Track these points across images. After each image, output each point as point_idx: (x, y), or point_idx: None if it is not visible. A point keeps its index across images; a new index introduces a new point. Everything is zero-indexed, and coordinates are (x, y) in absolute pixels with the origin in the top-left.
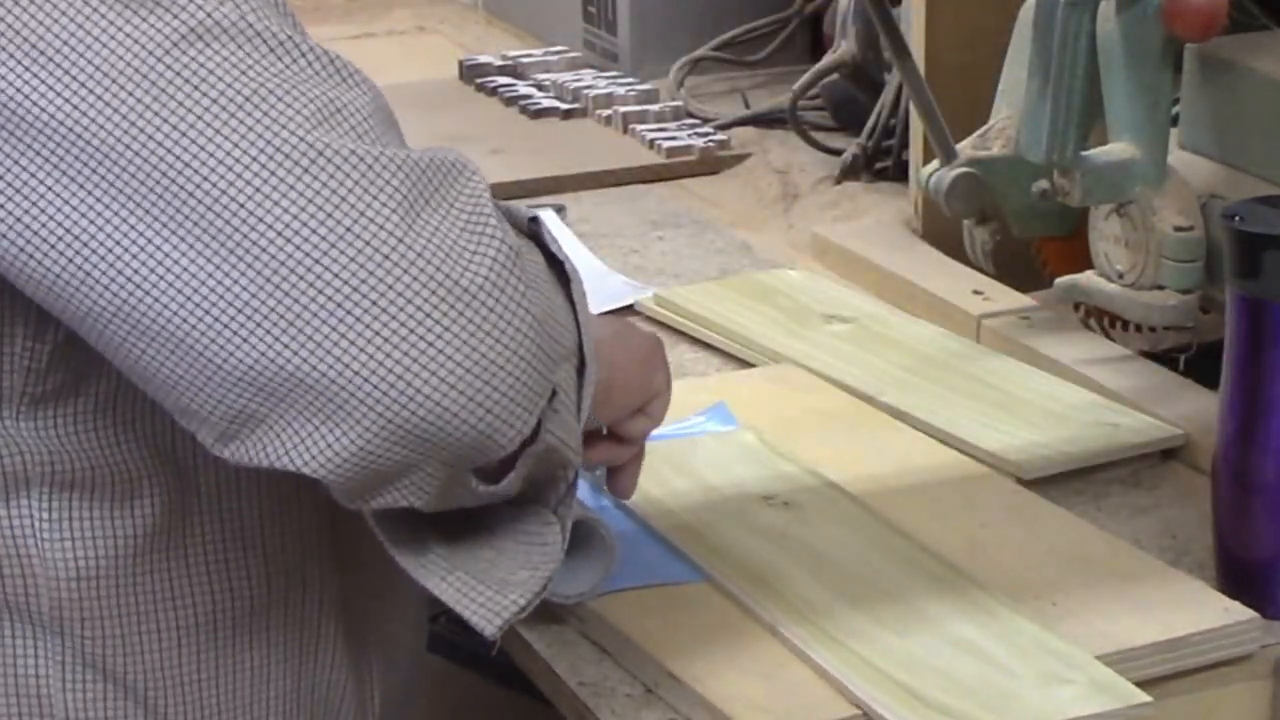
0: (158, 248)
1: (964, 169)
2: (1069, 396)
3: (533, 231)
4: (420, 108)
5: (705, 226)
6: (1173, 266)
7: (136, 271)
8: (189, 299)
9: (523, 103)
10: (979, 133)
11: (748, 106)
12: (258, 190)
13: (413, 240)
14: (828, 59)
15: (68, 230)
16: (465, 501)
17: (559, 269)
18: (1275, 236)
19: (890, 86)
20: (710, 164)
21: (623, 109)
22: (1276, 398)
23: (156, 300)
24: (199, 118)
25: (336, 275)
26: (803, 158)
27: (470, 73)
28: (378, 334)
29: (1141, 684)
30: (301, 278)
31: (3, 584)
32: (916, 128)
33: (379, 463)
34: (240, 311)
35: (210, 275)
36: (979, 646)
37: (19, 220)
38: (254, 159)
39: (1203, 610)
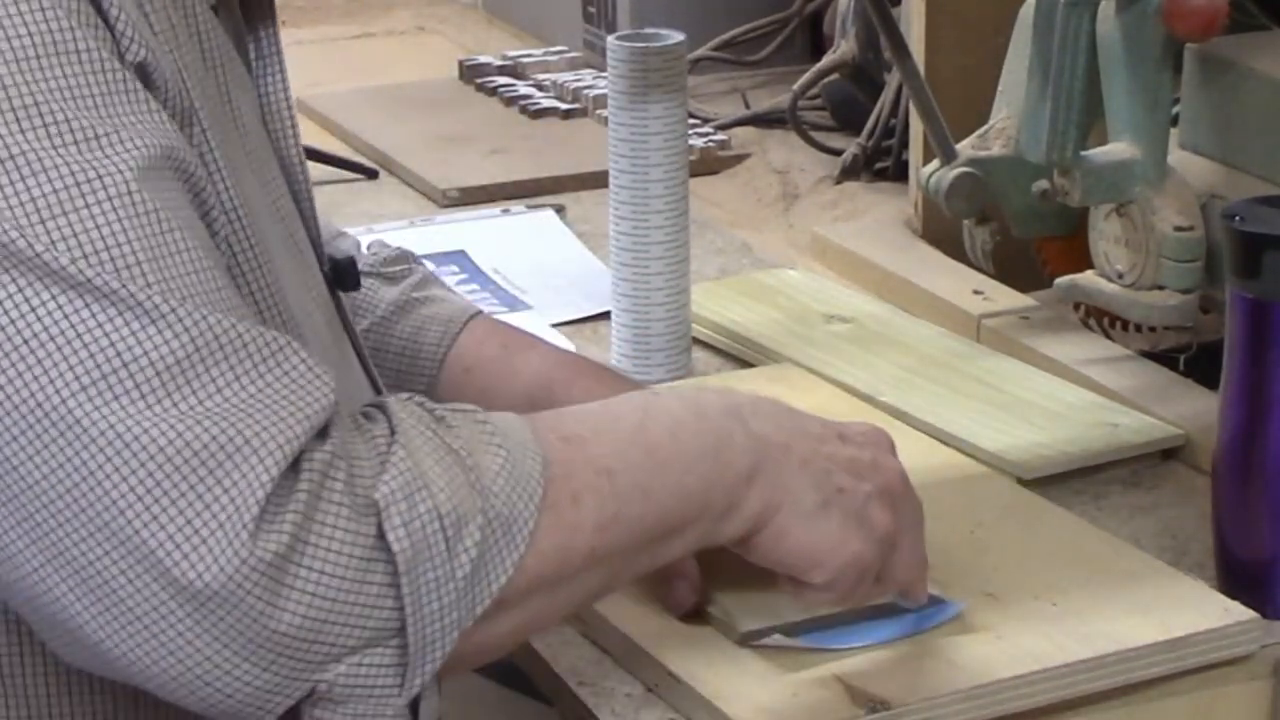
0: None
1: (964, 169)
2: (1069, 396)
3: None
4: (420, 108)
5: (705, 226)
6: (1173, 266)
7: None
8: None
9: (523, 103)
10: (979, 133)
11: (748, 106)
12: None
13: (148, 536)
14: (828, 59)
15: None
16: None
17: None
18: (1275, 236)
19: (890, 86)
20: (710, 164)
21: None
22: (1277, 398)
23: None
24: None
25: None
26: (803, 158)
27: (470, 73)
28: (115, 619)
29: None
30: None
31: None
32: (916, 128)
33: None
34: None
35: None
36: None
37: None
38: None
39: (1203, 610)
